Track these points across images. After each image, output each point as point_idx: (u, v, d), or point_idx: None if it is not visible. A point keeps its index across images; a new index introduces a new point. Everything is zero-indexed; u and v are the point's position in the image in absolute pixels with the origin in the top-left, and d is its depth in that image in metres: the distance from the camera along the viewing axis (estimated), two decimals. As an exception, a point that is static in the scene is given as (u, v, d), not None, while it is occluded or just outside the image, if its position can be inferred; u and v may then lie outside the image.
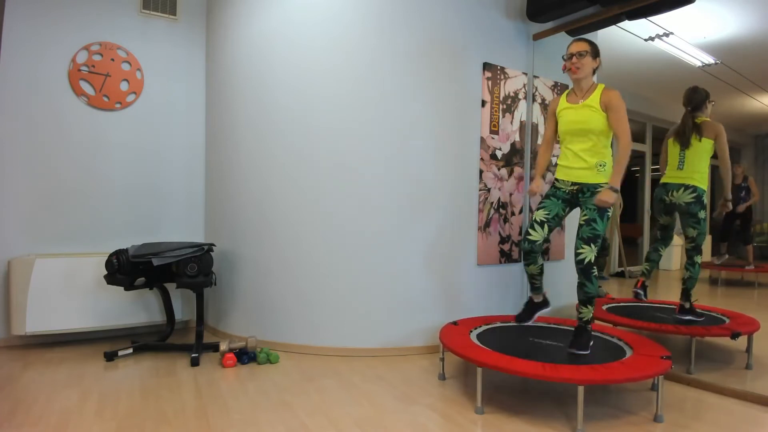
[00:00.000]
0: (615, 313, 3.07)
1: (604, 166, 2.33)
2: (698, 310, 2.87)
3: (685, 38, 3.10)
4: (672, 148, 2.91)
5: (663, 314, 3.07)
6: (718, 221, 3.07)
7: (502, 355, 2.18)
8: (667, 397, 2.38)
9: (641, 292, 3.10)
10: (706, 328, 2.72)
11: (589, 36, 3.44)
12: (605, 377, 1.94)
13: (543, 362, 2.11)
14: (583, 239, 2.29)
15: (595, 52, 2.36)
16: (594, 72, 2.41)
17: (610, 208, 2.30)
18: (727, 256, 3.16)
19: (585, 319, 2.35)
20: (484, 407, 2.18)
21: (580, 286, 2.33)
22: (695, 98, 2.82)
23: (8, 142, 3.06)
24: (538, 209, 2.46)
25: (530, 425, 2.03)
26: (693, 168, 2.82)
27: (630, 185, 3.78)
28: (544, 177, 3.48)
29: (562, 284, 3.61)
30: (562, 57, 2.42)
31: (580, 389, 1.94)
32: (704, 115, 2.81)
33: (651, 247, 3.09)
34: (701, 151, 2.79)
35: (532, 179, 3.41)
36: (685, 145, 2.82)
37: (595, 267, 2.27)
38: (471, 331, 2.62)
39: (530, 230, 2.44)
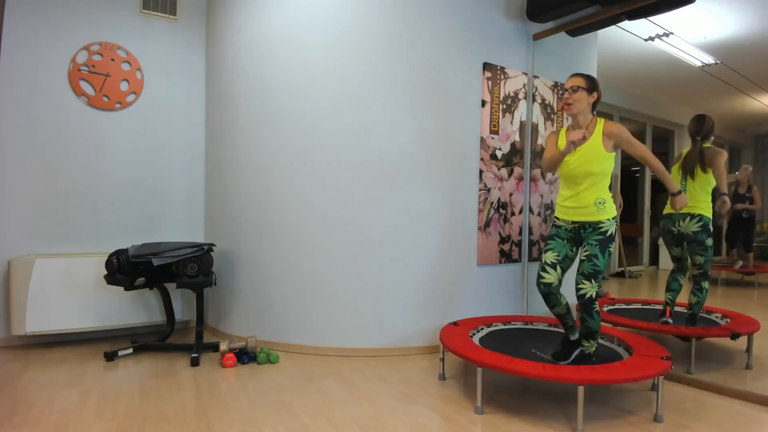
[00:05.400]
0: (615, 314, 3.08)
1: (604, 203, 2.24)
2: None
3: (685, 38, 3.10)
4: (675, 177, 2.88)
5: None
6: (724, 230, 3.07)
7: (502, 355, 2.18)
8: (667, 397, 2.38)
9: (671, 321, 3.04)
10: (706, 329, 2.73)
11: (589, 36, 3.46)
12: (605, 377, 1.94)
13: (543, 362, 2.11)
14: (583, 275, 2.22)
15: (591, 86, 2.25)
16: (593, 107, 2.31)
17: (611, 244, 2.25)
18: (741, 262, 3.16)
19: (587, 352, 2.31)
20: (484, 407, 2.18)
21: (582, 321, 2.27)
22: (704, 128, 2.76)
23: (8, 142, 3.06)
24: (546, 251, 2.37)
25: (530, 425, 2.03)
26: (696, 198, 2.79)
27: (630, 185, 3.78)
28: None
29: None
30: (558, 95, 2.35)
31: (580, 389, 1.94)
32: (709, 143, 2.78)
33: (670, 277, 3.02)
34: (704, 182, 2.76)
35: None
36: (690, 175, 2.78)
37: (596, 302, 2.22)
38: (471, 332, 2.63)
39: (542, 273, 2.34)
